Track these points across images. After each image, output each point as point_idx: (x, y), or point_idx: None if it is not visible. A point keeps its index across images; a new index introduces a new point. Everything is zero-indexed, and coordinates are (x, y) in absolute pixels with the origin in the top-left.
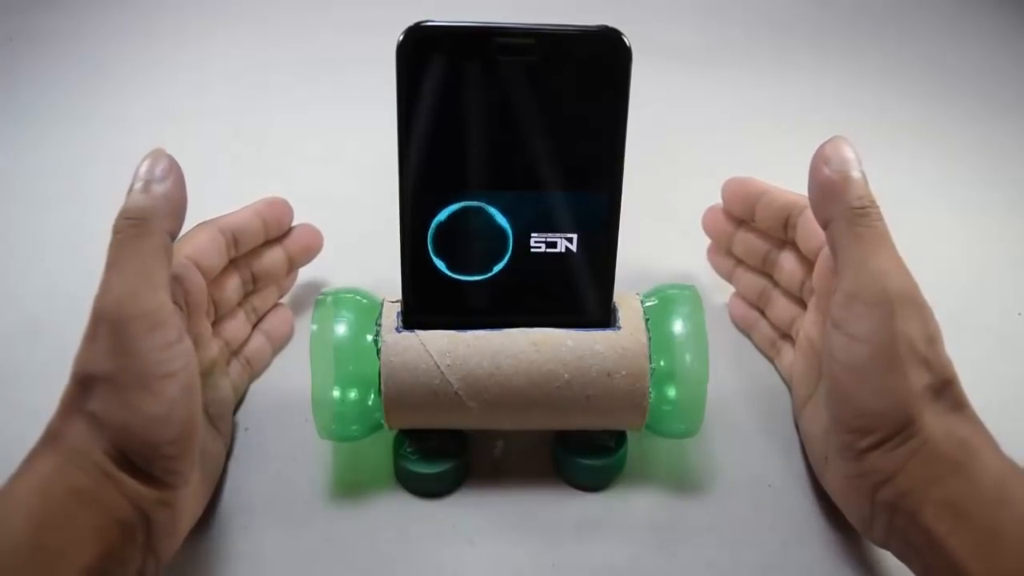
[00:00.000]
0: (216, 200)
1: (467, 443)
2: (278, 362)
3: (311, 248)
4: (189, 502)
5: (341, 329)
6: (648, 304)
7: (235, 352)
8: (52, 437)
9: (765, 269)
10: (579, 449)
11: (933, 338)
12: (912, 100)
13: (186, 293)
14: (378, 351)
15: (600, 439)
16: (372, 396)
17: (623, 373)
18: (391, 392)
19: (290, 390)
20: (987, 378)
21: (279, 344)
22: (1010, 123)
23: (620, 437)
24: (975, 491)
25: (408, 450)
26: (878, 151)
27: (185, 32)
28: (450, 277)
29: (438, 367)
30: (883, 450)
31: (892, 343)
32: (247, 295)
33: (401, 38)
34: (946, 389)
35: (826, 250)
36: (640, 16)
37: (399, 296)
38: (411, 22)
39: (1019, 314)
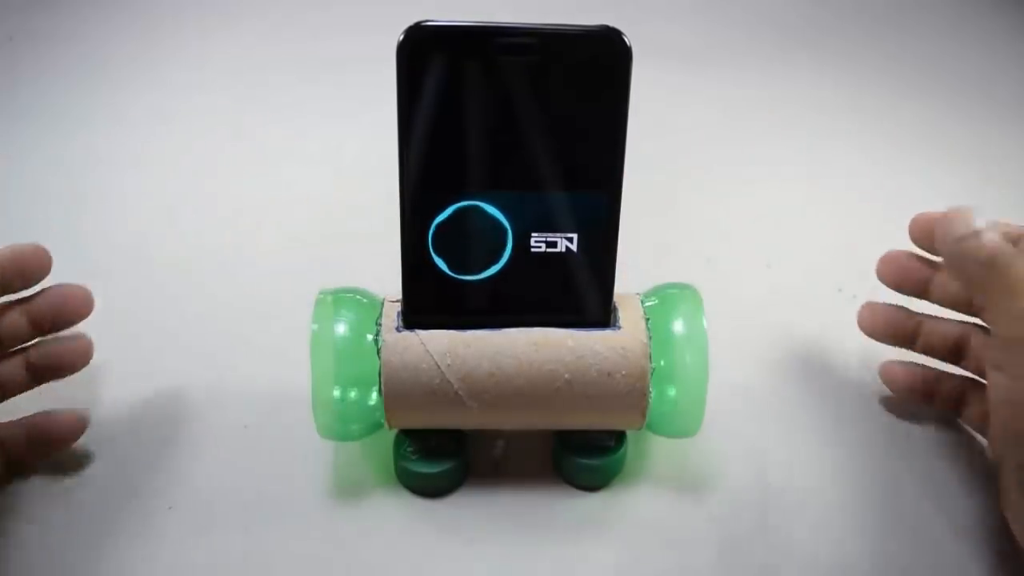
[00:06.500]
0: (216, 200)
1: (467, 443)
2: (278, 361)
3: (63, 313)
4: None
5: (341, 329)
6: (648, 304)
7: None
8: None
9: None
10: (579, 449)
11: None
12: (912, 100)
13: None
14: (378, 351)
15: (600, 439)
16: (372, 396)
17: (623, 373)
18: (391, 392)
19: (290, 389)
20: None
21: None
22: (1010, 123)
23: (620, 437)
24: None
25: (408, 450)
26: (879, 151)
27: (185, 32)
28: (450, 277)
29: (438, 367)
30: None
31: None
32: None
33: (401, 38)
34: None
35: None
36: (640, 16)
37: (399, 296)
38: (411, 22)
39: None
